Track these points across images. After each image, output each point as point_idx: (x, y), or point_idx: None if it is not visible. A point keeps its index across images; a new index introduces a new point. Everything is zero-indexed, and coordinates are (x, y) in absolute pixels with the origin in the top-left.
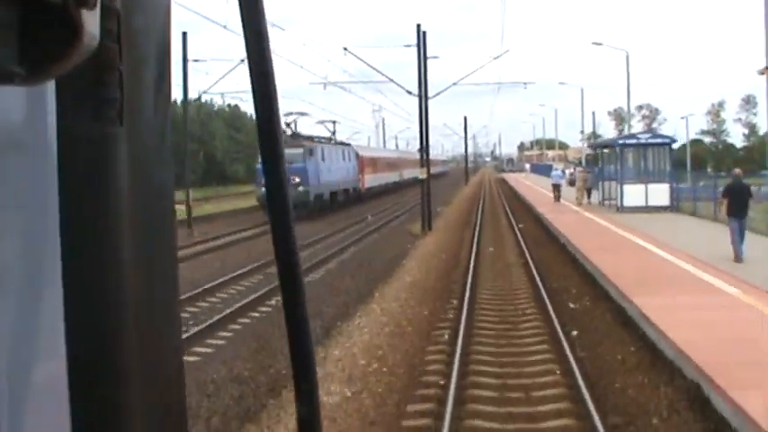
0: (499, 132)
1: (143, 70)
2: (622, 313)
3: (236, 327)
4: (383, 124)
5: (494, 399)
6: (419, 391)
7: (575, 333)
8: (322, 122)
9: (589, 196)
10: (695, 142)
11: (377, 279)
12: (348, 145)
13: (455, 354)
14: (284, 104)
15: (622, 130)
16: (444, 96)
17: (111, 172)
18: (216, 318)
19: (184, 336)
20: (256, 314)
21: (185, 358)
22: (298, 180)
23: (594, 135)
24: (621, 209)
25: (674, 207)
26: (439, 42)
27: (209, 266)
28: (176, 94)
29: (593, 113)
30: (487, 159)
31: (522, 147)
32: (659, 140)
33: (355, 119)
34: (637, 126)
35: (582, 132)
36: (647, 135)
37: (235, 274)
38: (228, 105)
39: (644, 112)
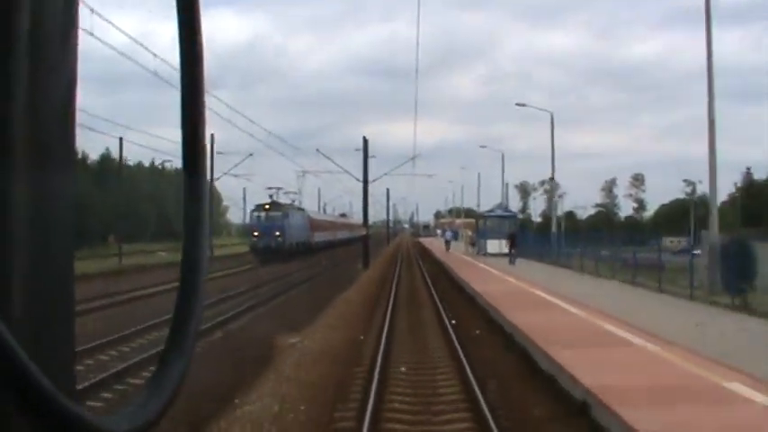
0: (416, 202)
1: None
2: (459, 286)
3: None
4: (319, 193)
5: (408, 303)
6: (380, 301)
7: (438, 293)
8: (286, 193)
9: (473, 247)
10: (598, 213)
11: (348, 282)
12: (303, 210)
13: (391, 296)
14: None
15: (525, 202)
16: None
17: None
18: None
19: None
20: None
21: None
22: (278, 233)
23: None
24: (485, 254)
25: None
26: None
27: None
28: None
29: (506, 184)
30: (406, 226)
31: (438, 215)
32: (509, 214)
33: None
34: (539, 199)
35: (478, 206)
36: (501, 210)
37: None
38: (176, 169)
39: (546, 186)
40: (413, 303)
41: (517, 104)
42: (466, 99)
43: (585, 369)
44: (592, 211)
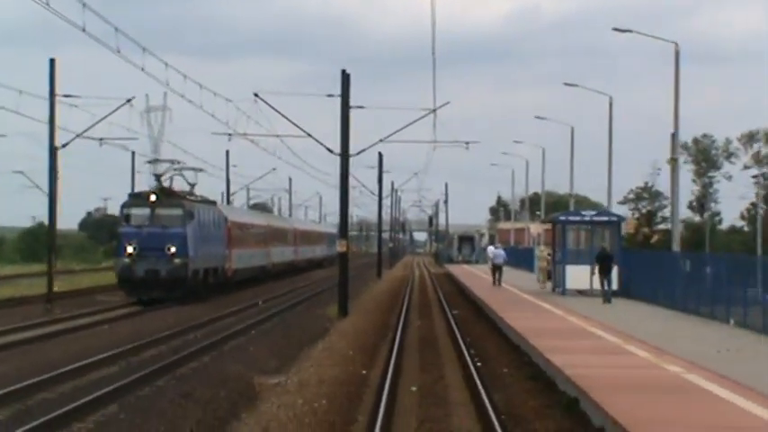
0: (445, 182)
1: None
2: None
3: None
4: (227, 161)
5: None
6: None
7: None
8: (179, 170)
9: (550, 280)
10: None
11: None
12: (215, 205)
13: None
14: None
15: (709, 181)
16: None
17: None
18: None
19: None
20: None
21: None
22: (173, 249)
23: (648, 190)
24: (564, 293)
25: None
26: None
27: None
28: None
29: (675, 135)
30: (420, 237)
31: (497, 211)
32: (606, 218)
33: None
34: (737, 175)
35: (571, 195)
36: (590, 213)
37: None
38: None
39: (759, 145)
40: None
41: None
42: None
43: None
44: None
